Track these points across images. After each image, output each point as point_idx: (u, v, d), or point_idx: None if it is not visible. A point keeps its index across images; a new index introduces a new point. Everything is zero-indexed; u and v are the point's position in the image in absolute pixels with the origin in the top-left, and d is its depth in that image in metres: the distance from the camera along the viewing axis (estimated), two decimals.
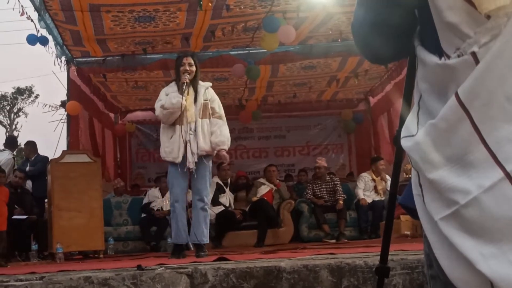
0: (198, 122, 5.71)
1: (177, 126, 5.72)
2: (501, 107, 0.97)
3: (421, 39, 1.17)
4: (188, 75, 5.73)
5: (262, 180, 9.28)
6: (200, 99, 5.78)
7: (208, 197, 5.85)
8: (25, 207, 8.46)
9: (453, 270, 1.03)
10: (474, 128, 0.99)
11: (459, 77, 1.01)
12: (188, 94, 5.74)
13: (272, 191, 9.03)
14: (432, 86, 1.11)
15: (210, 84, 6.07)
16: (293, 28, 7.86)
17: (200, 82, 5.91)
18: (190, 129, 5.67)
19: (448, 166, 1.03)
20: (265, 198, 8.82)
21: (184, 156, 5.65)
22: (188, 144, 5.63)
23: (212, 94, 5.94)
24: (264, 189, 9.01)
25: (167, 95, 5.81)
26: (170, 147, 5.74)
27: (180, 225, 5.76)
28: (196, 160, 5.67)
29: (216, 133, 5.80)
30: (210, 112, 5.83)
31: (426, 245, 1.16)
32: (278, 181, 9.32)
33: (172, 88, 5.89)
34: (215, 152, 5.81)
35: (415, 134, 1.12)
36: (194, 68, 5.82)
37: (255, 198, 8.82)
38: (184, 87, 5.70)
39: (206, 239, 5.76)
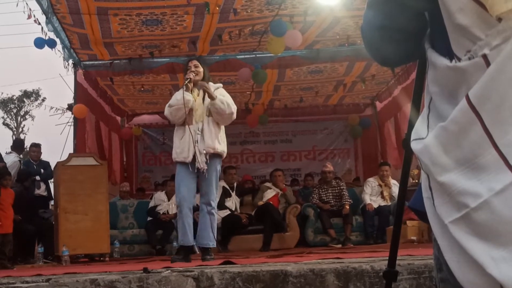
0: (204, 119, 5.72)
1: (187, 127, 5.70)
2: None
3: (431, 42, 1.16)
4: (192, 74, 5.76)
5: (268, 184, 9.28)
6: (208, 98, 5.80)
7: (215, 201, 5.82)
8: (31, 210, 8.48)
9: (463, 273, 1.02)
10: (485, 131, 0.98)
11: (470, 79, 1.00)
12: (193, 92, 5.75)
13: (278, 195, 9.03)
14: (442, 89, 1.10)
15: (221, 85, 6.03)
16: (299, 33, 7.86)
17: (211, 83, 5.90)
18: (198, 129, 5.67)
19: (458, 169, 1.02)
20: (271, 202, 8.82)
21: (194, 156, 5.63)
22: (196, 144, 5.63)
23: (221, 92, 5.89)
24: (270, 193, 9.01)
25: None
26: (181, 147, 5.72)
27: (187, 226, 5.69)
28: (206, 159, 5.64)
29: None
30: None
31: (436, 248, 1.15)
32: (284, 185, 9.32)
33: (179, 90, 5.93)
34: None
35: (425, 137, 1.11)
36: (200, 69, 5.85)
37: (261, 203, 8.82)
38: (186, 82, 5.72)
39: (212, 243, 5.73)
